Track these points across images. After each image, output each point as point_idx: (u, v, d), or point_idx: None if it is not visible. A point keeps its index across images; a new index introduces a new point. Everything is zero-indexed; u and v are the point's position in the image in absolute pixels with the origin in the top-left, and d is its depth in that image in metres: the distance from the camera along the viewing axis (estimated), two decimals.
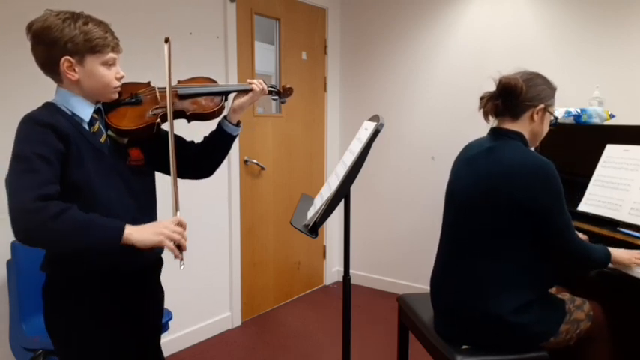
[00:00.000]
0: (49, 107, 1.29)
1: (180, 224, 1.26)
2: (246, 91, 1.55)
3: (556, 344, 1.64)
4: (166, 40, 1.42)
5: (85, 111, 1.30)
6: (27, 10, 2.07)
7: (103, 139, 1.33)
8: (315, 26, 3.66)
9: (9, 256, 2.01)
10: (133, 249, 1.19)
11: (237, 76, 3.02)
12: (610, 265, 1.67)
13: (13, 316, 2.01)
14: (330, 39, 3.78)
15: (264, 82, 1.59)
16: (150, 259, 1.46)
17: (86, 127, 1.31)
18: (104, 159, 1.31)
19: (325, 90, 3.80)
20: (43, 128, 1.18)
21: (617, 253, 1.67)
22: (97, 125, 1.33)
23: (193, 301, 2.87)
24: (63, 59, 1.24)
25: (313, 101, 3.71)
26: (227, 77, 2.96)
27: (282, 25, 3.37)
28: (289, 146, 3.52)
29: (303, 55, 3.58)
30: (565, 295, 1.75)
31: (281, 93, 1.66)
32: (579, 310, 1.68)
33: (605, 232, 1.88)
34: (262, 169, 3.27)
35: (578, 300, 1.72)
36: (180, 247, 1.23)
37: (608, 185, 1.99)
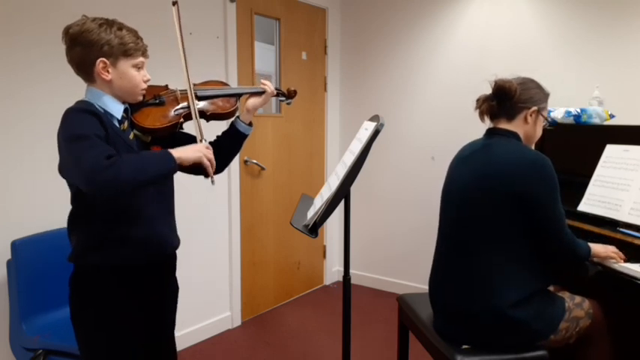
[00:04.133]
0: (85, 104, 1.36)
1: (209, 147, 1.43)
2: (259, 94, 1.67)
3: (556, 342, 1.64)
4: (174, 3, 1.48)
5: (115, 108, 1.39)
6: (30, 12, 2.08)
7: (131, 137, 1.43)
8: (315, 26, 3.66)
9: (9, 256, 2.01)
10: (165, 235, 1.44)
11: (237, 76, 3.03)
12: (590, 259, 1.72)
13: (13, 316, 2.01)
14: (330, 39, 3.78)
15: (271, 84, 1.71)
16: (169, 254, 1.55)
17: (117, 124, 1.39)
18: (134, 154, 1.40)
19: (325, 90, 3.81)
20: (90, 115, 1.30)
21: (595, 247, 1.72)
22: (126, 123, 1.42)
23: (193, 301, 2.87)
24: (98, 60, 1.34)
25: (313, 101, 3.71)
26: (227, 77, 2.96)
27: (282, 25, 3.37)
28: (289, 146, 3.52)
29: (303, 55, 3.58)
30: (564, 294, 1.75)
31: (287, 95, 1.80)
32: (579, 309, 1.69)
33: (605, 232, 1.88)
34: (262, 169, 3.27)
35: (578, 298, 1.73)
36: (212, 165, 1.41)
37: (608, 185, 1.99)
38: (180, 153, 1.34)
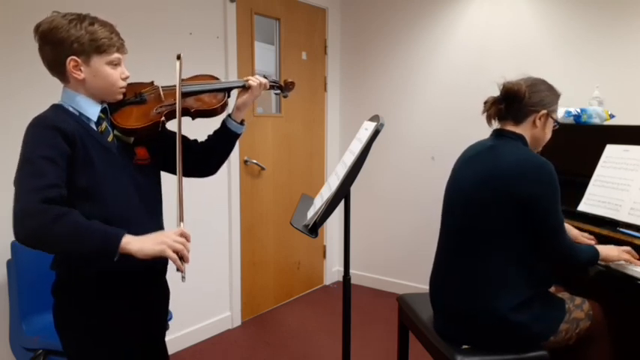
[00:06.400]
0: (56, 109, 1.30)
1: (183, 235, 1.23)
2: (246, 89, 1.56)
3: (556, 343, 1.64)
4: (178, 57, 1.44)
5: (91, 110, 1.32)
6: (30, 11, 2.08)
7: (110, 138, 1.35)
8: (315, 26, 3.66)
9: (9, 256, 2.01)
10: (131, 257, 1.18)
11: (237, 76, 3.02)
12: (600, 263, 1.69)
13: (13, 316, 2.01)
14: (330, 39, 3.78)
15: (266, 77, 1.61)
16: (156, 260, 1.47)
17: (93, 126, 1.33)
18: (112, 157, 1.33)
19: (325, 90, 3.81)
20: (50, 131, 1.20)
21: (605, 250, 1.69)
22: (104, 125, 1.35)
23: (193, 301, 2.87)
24: (69, 59, 1.26)
25: (313, 101, 3.71)
26: (227, 77, 2.96)
27: (282, 25, 3.37)
28: (289, 146, 3.52)
29: (303, 55, 3.58)
30: (564, 295, 1.75)
31: (283, 87, 1.69)
32: (579, 310, 1.68)
33: (605, 232, 1.87)
34: (262, 169, 3.27)
35: (578, 299, 1.73)
36: (182, 259, 1.21)
37: (608, 185, 1.99)
38: (135, 243, 1.16)
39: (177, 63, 1.43)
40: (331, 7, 3.76)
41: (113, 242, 1.15)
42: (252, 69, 3.15)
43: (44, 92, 2.11)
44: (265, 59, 3.35)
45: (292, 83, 1.69)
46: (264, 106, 3.43)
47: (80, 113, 1.31)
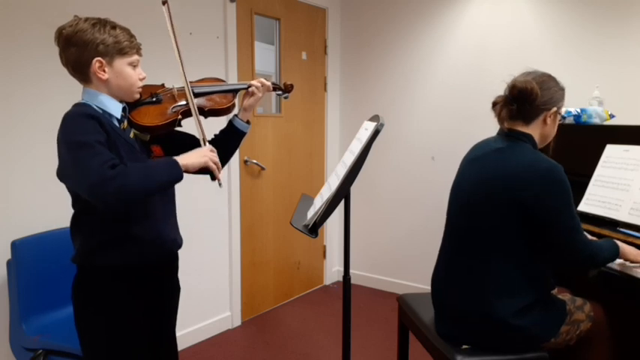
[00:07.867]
0: (83, 106, 1.36)
1: (213, 150, 1.44)
2: (251, 92, 1.68)
3: (556, 344, 1.64)
4: (164, 2, 1.50)
5: (114, 108, 1.39)
6: (30, 12, 2.08)
7: (131, 135, 1.43)
8: (315, 26, 3.66)
9: (9, 256, 2.01)
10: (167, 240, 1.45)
11: (237, 76, 3.03)
12: (618, 260, 1.65)
13: (13, 316, 2.01)
14: (330, 39, 3.78)
15: (267, 80, 1.71)
16: (173, 253, 1.57)
17: (116, 123, 1.39)
18: (136, 154, 1.40)
19: (325, 90, 3.81)
20: (92, 120, 1.29)
21: (626, 248, 1.65)
22: (126, 122, 1.42)
23: (193, 301, 2.87)
24: (95, 60, 1.34)
25: (313, 101, 3.71)
26: (227, 77, 2.96)
27: (282, 25, 3.37)
28: (289, 146, 3.52)
29: (303, 55, 3.58)
30: (566, 296, 1.74)
31: (284, 89, 1.81)
32: (580, 311, 1.67)
33: (605, 232, 1.87)
34: (262, 169, 3.27)
35: (579, 301, 1.72)
36: (218, 168, 1.42)
37: (608, 185, 1.99)
38: (185, 159, 1.35)
39: (164, 9, 1.49)
40: (331, 7, 3.76)
41: (176, 164, 1.32)
42: (253, 69, 3.15)
43: (44, 92, 2.12)
44: (265, 59, 3.35)
45: (291, 85, 1.81)
46: (265, 107, 3.43)
47: (104, 111, 1.37)
